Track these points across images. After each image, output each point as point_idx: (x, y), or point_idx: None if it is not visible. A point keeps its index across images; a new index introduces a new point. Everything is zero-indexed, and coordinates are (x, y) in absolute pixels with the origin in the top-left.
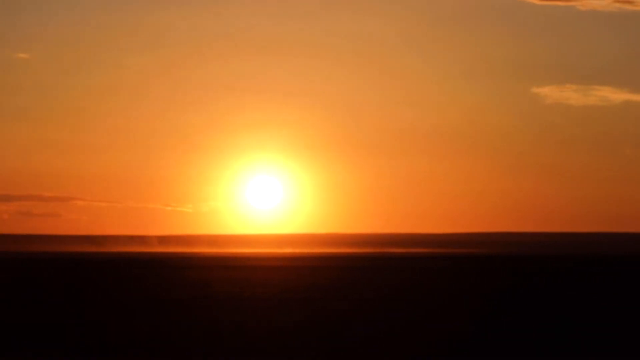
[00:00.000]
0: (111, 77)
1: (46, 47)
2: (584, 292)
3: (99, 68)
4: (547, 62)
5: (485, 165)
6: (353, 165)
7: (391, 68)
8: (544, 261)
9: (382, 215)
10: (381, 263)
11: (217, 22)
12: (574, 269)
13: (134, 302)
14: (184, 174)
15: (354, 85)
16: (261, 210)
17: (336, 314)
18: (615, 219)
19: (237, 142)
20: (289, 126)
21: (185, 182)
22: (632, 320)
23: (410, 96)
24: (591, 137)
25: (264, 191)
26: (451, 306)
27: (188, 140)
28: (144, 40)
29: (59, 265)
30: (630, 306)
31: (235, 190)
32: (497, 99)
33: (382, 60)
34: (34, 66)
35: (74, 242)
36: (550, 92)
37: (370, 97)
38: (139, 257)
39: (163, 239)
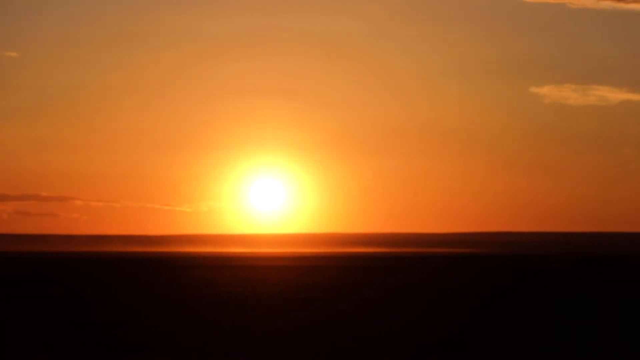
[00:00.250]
0: (109, 76)
1: (36, 46)
2: (583, 292)
3: (95, 67)
4: (545, 62)
5: (485, 166)
6: (353, 165)
7: (391, 68)
8: (542, 261)
9: (382, 215)
10: (381, 263)
11: (215, 22)
12: (572, 269)
13: (134, 302)
14: (183, 174)
15: (354, 86)
16: (261, 210)
17: (336, 314)
18: (614, 219)
19: (237, 141)
20: (288, 126)
21: (184, 182)
22: (632, 320)
23: (411, 96)
24: (590, 136)
25: (264, 191)
26: (450, 306)
27: (186, 140)
28: (140, 40)
29: (61, 265)
30: (630, 306)
31: (234, 191)
32: (496, 99)
33: (382, 61)
34: (22, 64)
35: (73, 242)
36: (548, 92)
37: (370, 97)
38: (139, 257)
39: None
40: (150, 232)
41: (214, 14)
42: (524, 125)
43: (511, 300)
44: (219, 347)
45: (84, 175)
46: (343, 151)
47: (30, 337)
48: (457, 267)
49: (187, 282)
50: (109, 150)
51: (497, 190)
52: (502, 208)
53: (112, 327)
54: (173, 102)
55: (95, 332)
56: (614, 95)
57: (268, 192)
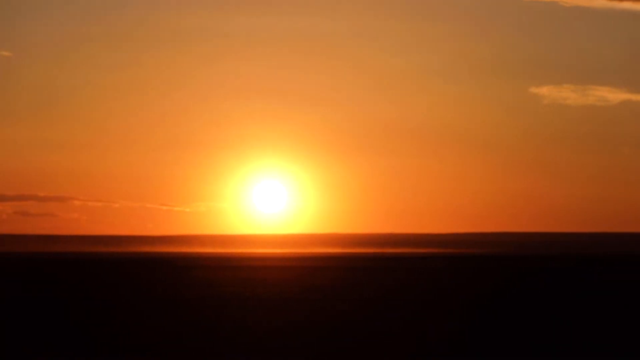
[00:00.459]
0: (108, 76)
1: (31, 45)
2: (582, 292)
3: (94, 67)
4: (544, 62)
5: (484, 166)
6: (353, 165)
7: (391, 68)
8: (542, 261)
9: (382, 215)
10: (381, 263)
11: (216, 22)
12: (571, 269)
13: (136, 302)
14: (182, 174)
15: (355, 86)
16: (262, 212)
17: (336, 314)
18: (613, 219)
19: (237, 142)
20: (288, 127)
21: (183, 183)
22: (632, 320)
23: (411, 97)
24: (589, 137)
25: (265, 192)
26: (450, 306)
27: (185, 140)
28: (140, 40)
29: (63, 265)
30: (630, 306)
31: (234, 191)
32: (495, 99)
33: (382, 61)
34: (18, 64)
35: (72, 242)
36: (548, 92)
37: (370, 98)
38: (139, 257)
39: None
40: (150, 232)
41: (214, 14)
42: (524, 125)
43: (511, 300)
44: (220, 347)
45: (82, 175)
46: (343, 151)
47: (31, 337)
48: (456, 268)
49: (187, 282)
50: (108, 150)
51: (496, 191)
52: (501, 208)
53: (114, 327)
54: (172, 102)
55: (96, 332)
56: (613, 95)
57: (269, 194)
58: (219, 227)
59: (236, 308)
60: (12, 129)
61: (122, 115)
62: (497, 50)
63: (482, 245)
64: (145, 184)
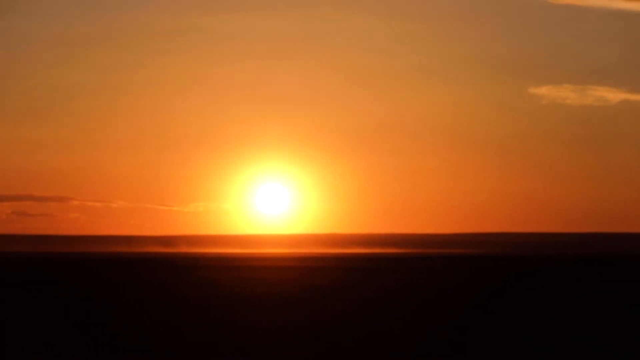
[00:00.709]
0: (107, 76)
1: (28, 45)
2: (582, 293)
3: (93, 67)
4: (544, 62)
5: (484, 166)
6: (354, 166)
7: (391, 68)
8: (541, 261)
9: (382, 215)
10: (380, 264)
11: (215, 22)
12: (571, 269)
13: (137, 302)
14: (181, 174)
15: (355, 86)
16: (264, 212)
17: (336, 314)
18: (613, 219)
19: (237, 142)
20: (289, 127)
21: (182, 183)
22: (632, 320)
23: (411, 97)
24: (588, 137)
25: (266, 193)
26: (449, 306)
27: (185, 141)
28: (140, 40)
29: (62, 265)
30: (629, 306)
31: (234, 192)
32: (494, 99)
33: (382, 61)
34: (15, 64)
35: (70, 242)
36: (547, 92)
37: (371, 98)
38: (139, 258)
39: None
40: (148, 232)
41: (214, 14)
42: (523, 125)
43: (510, 300)
44: (220, 346)
45: (81, 176)
46: (344, 152)
47: (31, 337)
48: (456, 268)
49: (188, 282)
50: (107, 151)
51: (495, 191)
52: (500, 208)
53: (114, 327)
54: (172, 102)
55: (96, 332)
56: (613, 95)
57: (270, 194)
58: (219, 227)
59: (236, 308)
60: (10, 129)
61: (121, 116)
62: (496, 50)
63: (482, 245)
64: (145, 185)
